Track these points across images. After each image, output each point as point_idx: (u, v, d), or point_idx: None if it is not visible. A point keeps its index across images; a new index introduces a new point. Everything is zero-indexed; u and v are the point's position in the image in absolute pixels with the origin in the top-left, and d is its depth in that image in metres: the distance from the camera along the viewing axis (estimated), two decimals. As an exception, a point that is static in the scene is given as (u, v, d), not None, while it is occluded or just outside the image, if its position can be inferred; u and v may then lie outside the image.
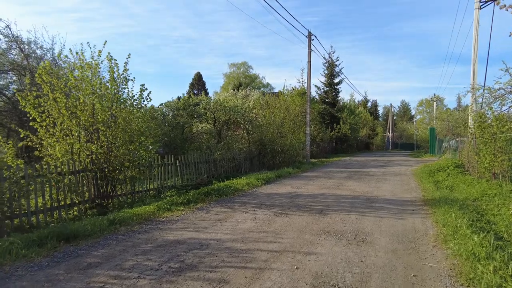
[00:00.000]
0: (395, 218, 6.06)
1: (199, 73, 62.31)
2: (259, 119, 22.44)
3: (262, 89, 52.14)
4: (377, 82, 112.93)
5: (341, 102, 37.82)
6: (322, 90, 36.23)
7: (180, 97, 24.01)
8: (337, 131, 32.67)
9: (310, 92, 21.63)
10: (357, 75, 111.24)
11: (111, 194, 8.59)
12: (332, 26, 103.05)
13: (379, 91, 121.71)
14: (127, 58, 8.15)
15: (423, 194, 8.72)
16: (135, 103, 8.34)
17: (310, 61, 21.19)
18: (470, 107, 14.99)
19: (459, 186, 10.13)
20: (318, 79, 37.10)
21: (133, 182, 9.11)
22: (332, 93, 35.79)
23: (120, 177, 7.85)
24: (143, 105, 8.73)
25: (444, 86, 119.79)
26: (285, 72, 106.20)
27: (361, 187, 9.91)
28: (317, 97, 35.82)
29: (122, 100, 7.92)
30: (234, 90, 43.28)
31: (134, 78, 8.38)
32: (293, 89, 27.71)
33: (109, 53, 7.99)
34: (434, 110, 43.58)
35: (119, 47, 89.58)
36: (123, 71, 8.07)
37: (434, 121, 39.04)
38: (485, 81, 15.87)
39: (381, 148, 54.04)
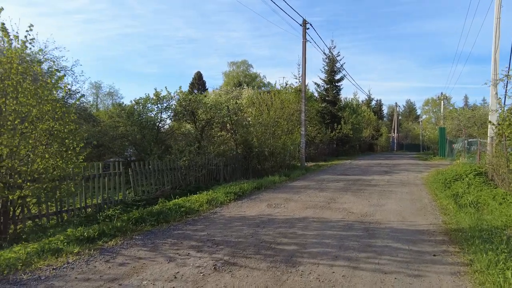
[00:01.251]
0: (407, 274, 3.68)
1: (199, 72, 60.46)
2: (248, 118, 20.15)
3: (263, 88, 49.82)
4: (380, 82, 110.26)
5: (342, 101, 35.39)
6: (322, 88, 33.81)
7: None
8: (338, 131, 30.22)
9: (305, 87, 19.25)
10: (360, 75, 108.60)
11: (18, 217, 6.37)
12: (334, 26, 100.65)
13: (382, 90, 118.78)
14: (27, 31, 5.85)
15: (443, 219, 6.31)
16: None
17: (305, 53, 18.83)
18: (494, 101, 12.52)
19: (487, 203, 7.72)
20: (318, 76, 34.70)
21: (61, 199, 6.89)
22: (333, 91, 33.34)
23: (11, 197, 5.55)
24: (58, 97, 6.47)
25: (452, 86, 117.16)
26: (289, 73, 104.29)
27: (358, 206, 7.52)
28: (316, 94, 33.42)
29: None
30: (233, 88, 41.00)
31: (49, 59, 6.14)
32: (287, 85, 25.29)
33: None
34: (442, 109, 40.98)
35: (123, 48, 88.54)
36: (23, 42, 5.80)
37: (442, 121, 36.44)
38: (508, 71, 13.44)
39: (385, 149, 51.40)
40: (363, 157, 30.50)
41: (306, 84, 19.24)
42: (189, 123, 16.50)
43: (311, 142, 25.49)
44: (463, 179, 11.27)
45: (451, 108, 33.57)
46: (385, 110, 72.07)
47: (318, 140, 28.08)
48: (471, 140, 22.97)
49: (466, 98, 78.04)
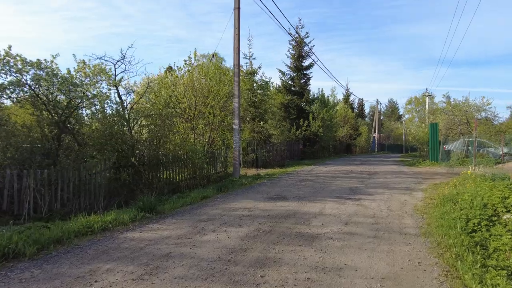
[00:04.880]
0: None
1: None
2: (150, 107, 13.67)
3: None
4: (366, 83, 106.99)
5: (312, 93, 29.41)
6: (288, 76, 27.69)
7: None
8: (305, 128, 24.18)
9: (239, 57, 12.79)
10: (347, 77, 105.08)
11: None
12: (325, 28, 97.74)
13: (369, 92, 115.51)
14: None
15: None
16: None
17: (239, 7, 12.51)
18: None
19: None
20: (283, 62, 28.58)
21: None
22: (300, 80, 27.27)
23: None
24: None
25: (434, 88, 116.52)
26: (273, 71, 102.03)
27: None
28: (278, 83, 27.31)
29: None
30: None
31: None
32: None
33: None
34: (427, 106, 35.73)
35: (111, 47, 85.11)
36: None
37: (431, 117, 31.01)
38: None
39: (365, 151, 45.78)
40: (334, 161, 24.48)
41: (240, 53, 12.88)
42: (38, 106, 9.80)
43: (265, 141, 19.28)
44: (501, 218, 5.29)
45: (444, 101, 27.98)
46: (367, 110, 67.11)
47: (281, 139, 21.96)
48: (470, 139, 17.27)
49: (448, 97, 74.30)
